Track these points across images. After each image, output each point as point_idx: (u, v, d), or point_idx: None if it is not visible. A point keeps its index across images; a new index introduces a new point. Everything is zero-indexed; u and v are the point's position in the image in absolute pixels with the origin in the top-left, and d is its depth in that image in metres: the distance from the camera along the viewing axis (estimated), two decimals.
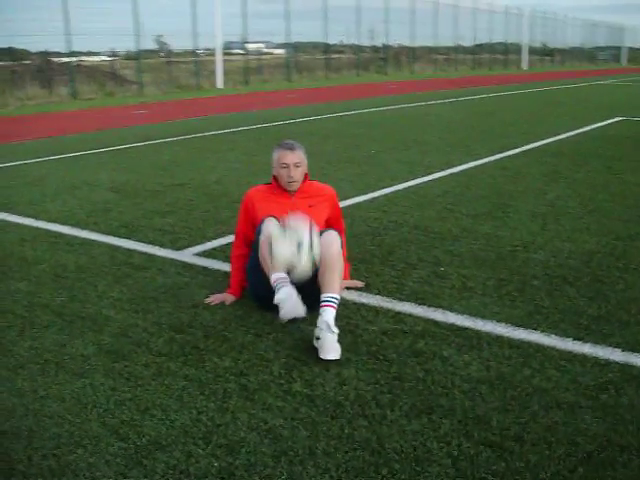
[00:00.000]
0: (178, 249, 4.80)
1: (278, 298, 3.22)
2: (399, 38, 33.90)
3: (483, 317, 3.56)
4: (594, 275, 4.19)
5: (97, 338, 3.34)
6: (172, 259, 4.57)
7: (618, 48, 58.91)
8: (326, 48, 29.61)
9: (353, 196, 6.42)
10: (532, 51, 43.08)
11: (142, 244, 4.93)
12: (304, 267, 3.27)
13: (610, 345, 3.22)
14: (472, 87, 23.79)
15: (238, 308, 3.70)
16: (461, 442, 2.45)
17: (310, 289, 3.35)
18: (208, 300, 3.80)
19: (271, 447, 2.42)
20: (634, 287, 3.99)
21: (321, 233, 3.43)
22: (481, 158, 8.55)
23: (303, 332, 3.36)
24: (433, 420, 2.59)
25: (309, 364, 3.04)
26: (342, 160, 8.50)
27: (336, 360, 3.05)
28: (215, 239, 5.05)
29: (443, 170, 7.77)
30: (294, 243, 3.26)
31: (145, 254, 4.70)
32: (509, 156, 8.77)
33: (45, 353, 3.19)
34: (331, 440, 2.46)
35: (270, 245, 3.28)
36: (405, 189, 6.82)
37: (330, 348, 3.06)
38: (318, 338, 3.11)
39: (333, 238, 3.42)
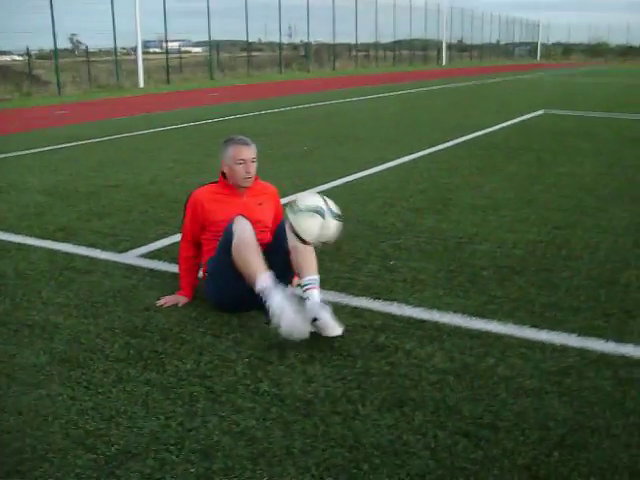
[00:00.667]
0: (121, 251, 4.64)
1: (273, 311, 3.06)
2: (320, 35, 34.03)
3: (439, 309, 3.59)
4: (540, 264, 4.30)
5: (48, 346, 3.19)
6: (115, 262, 4.42)
7: (534, 44, 60.87)
8: (247, 46, 29.39)
9: (292, 193, 6.36)
10: (451, 47, 44.00)
11: (82, 247, 4.75)
12: (334, 231, 3.31)
13: (566, 331, 3.31)
14: (395, 83, 24.10)
15: (192, 309, 3.61)
16: (436, 433, 2.46)
17: (283, 275, 3.39)
18: (160, 302, 3.68)
19: (247, 449, 2.37)
20: (579, 274, 4.11)
21: (283, 223, 3.46)
22: (414, 152, 8.66)
23: (263, 331, 3.31)
24: (406, 413, 2.59)
25: (273, 363, 3.00)
26: (277, 158, 8.44)
27: (340, 335, 3.11)
28: (157, 240, 4.92)
29: (378, 165, 7.82)
30: (314, 214, 3.24)
31: (87, 257, 4.53)
32: (441, 150, 8.93)
33: None
34: (306, 439, 2.43)
35: (292, 227, 3.24)
36: (343, 184, 6.83)
37: (334, 324, 3.10)
38: (316, 319, 3.09)
39: None
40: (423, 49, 42.72)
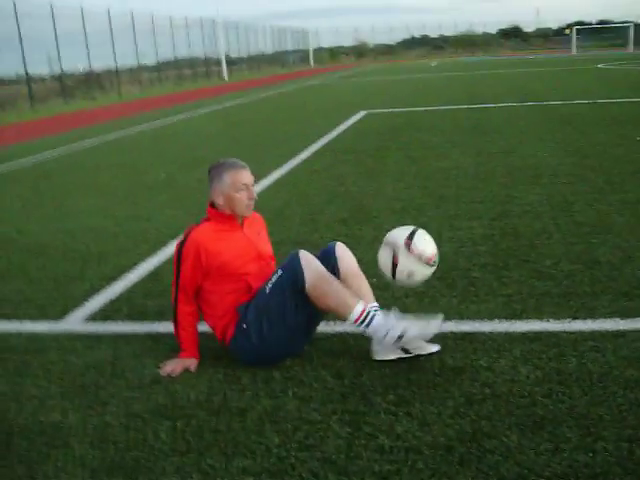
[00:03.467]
0: (58, 319, 3.91)
1: (400, 327, 2.92)
2: (99, 60, 32.31)
3: (471, 318, 3.43)
4: (516, 256, 4.29)
5: (74, 454, 2.52)
6: (67, 333, 3.70)
7: (305, 51, 63.32)
8: (27, 79, 26.97)
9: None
10: (228, 61, 44.11)
11: (3, 322, 3.94)
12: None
13: (606, 316, 3.31)
14: (190, 102, 23.45)
15: (213, 371, 3.09)
16: (605, 446, 2.28)
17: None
18: (165, 372, 3.10)
19: None
20: (561, 260, 4.16)
21: (331, 249, 3.24)
22: (283, 165, 8.36)
23: (318, 379, 2.91)
24: (554, 433, 2.39)
25: (367, 413, 2.62)
26: (132, 192, 7.70)
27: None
28: (90, 298, 4.21)
29: (258, 181, 7.47)
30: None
31: (20, 333, 3.74)
32: (308, 160, 8.74)
33: None
34: None
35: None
36: None
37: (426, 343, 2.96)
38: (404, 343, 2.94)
39: (345, 248, 3.27)
40: (204, 65, 42.41)
